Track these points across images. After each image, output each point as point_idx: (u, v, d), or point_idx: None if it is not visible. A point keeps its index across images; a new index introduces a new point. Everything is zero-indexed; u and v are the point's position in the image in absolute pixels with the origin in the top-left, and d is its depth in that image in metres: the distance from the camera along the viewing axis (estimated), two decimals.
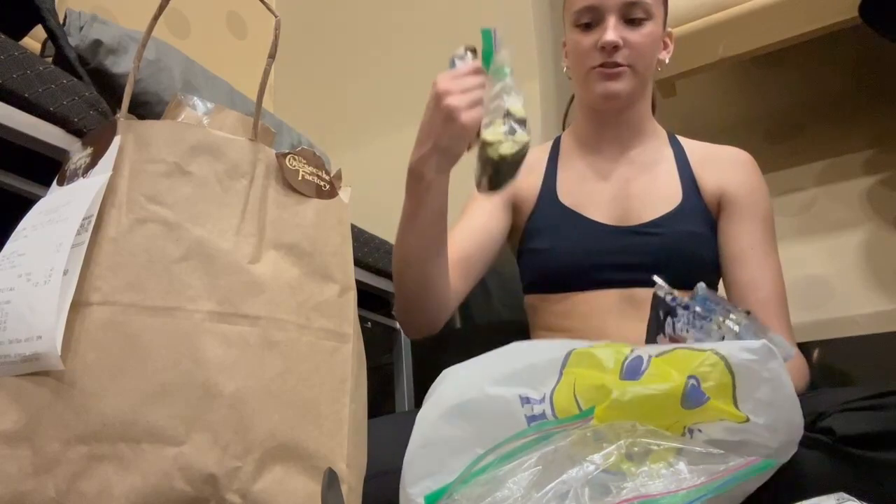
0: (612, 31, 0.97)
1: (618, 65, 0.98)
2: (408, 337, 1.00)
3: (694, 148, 1.08)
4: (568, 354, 0.69)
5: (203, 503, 0.51)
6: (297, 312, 0.58)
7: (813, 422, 0.67)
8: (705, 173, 1.03)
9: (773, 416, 0.60)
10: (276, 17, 0.64)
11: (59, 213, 0.57)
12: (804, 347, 1.24)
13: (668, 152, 1.07)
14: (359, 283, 0.67)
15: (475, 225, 1.05)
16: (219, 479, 0.51)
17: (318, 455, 0.56)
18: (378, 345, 1.56)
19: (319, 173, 0.65)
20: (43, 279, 0.53)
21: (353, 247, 0.67)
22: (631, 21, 0.98)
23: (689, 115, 1.45)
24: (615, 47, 0.97)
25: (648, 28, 0.99)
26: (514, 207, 1.09)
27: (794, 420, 0.62)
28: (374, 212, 1.76)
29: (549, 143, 1.15)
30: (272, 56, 0.64)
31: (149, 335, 0.53)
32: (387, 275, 1.48)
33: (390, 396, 1.52)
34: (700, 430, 0.61)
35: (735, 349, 0.62)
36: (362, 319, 0.68)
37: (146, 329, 0.53)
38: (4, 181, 0.83)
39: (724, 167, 1.03)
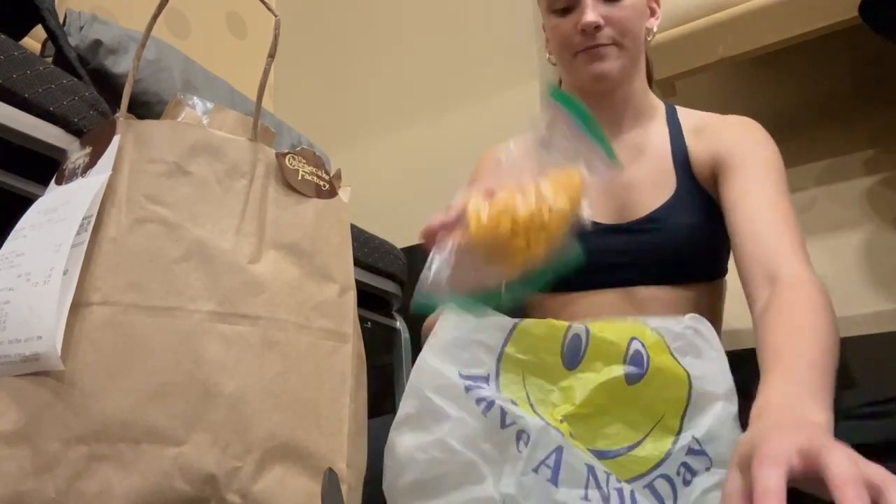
0: (590, 12, 0.92)
1: (602, 45, 0.93)
2: None
3: (690, 120, 1.01)
4: (511, 330, 0.69)
5: (203, 503, 0.51)
6: (297, 312, 0.58)
7: None
8: (698, 145, 0.96)
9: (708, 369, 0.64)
10: (276, 16, 0.64)
11: (58, 213, 0.57)
12: None
13: (664, 131, 1.01)
14: (359, 283, 0.67)
15: None
16: (219, 479, 0.51)
17: (318, 455, 0.56)
18: (378, 345, 1.56)
19: (319, 173, 0.65)
20: (43, 279, 0.53)
21: (353, 247, 0.67)
22: None
23: None
24: (597, 27, 0.92)
25: (629, 0, 0.94)
26: None
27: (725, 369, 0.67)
28: (374, 212, 1.76)
29: None
30: (272, 56, 0.64)
31: (149, 335, 0.53)
32: (387, 275, 1.48)
33: (390, 396, 1.52)
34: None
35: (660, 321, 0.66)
36: (362, 319, 0.68)
37: (146, 329, 0.53)
38: (4, 181, 0.83)
39: (718, 132, 0.95)
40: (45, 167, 0.80)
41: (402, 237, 1.65)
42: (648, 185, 0.97)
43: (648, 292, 0.94)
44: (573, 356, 0.67)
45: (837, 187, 1.31)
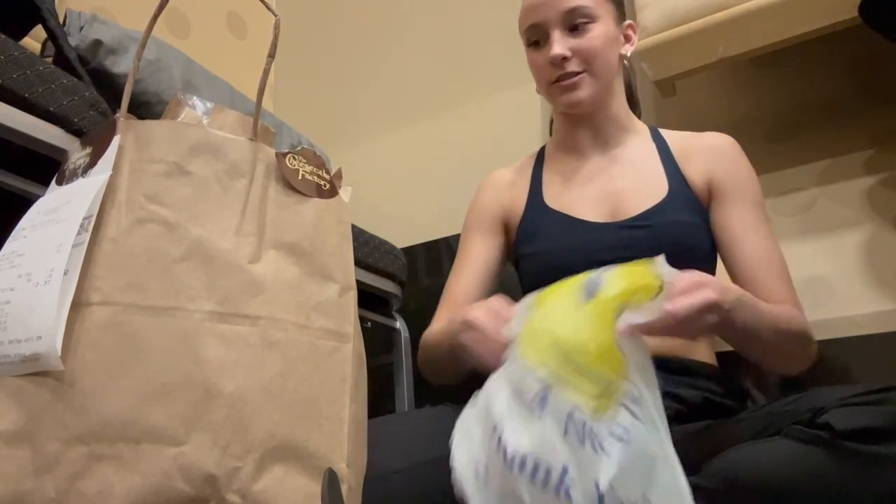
0: (556, 45, 0.98)
1: (572, 74, 0.99)
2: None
3: (675, 139, 1.07)
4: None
5: (203, 503, 0.51)
6: (297, 312, 0.58)
7: (811, 417, 0.67)
8: (690, 164, 1.02)
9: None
10: (275, 16, 0.64)
11: (58, 213, 0.57)
12: None
13: (651, 146, 1.06)
14: (359, 283, 0.67)
15: (474, 267, 1.08)
16: (219, 479, 0.51)
17: (318, 455, 0.56)
18: (378, 345, 1.56)
19: (319, 173, 0.65)
20: (43, 279, 0.53)
21: (353, 247, 0.67)
22: (575, 28, 0.98)
23: (688, 115, 1.45)
24: (564, 59, 0.98)
25: (595, 30, 0.99)
26: (505, 224, 1.10)
27: None
28: (374, 212, 1.76)
29: (535, 153, 1.16)
30: (272, 56, 0.64)
31: (149, 335, 0.53)
32: (387, 275, 1.48)
33: (390, 396, 1.51)
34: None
35: None
36: (362, 319, 0.68)
37: (146, 329, 0.53)
38: (4, 181, 0.83)
39: (708, 156, 1.02)
40: (45, 167, 0.80)
41: (402, 237, 1.66)
42: (640, 190, 1.01)
43: None
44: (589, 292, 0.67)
45: (837, 187, 1.31)
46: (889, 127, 1.28)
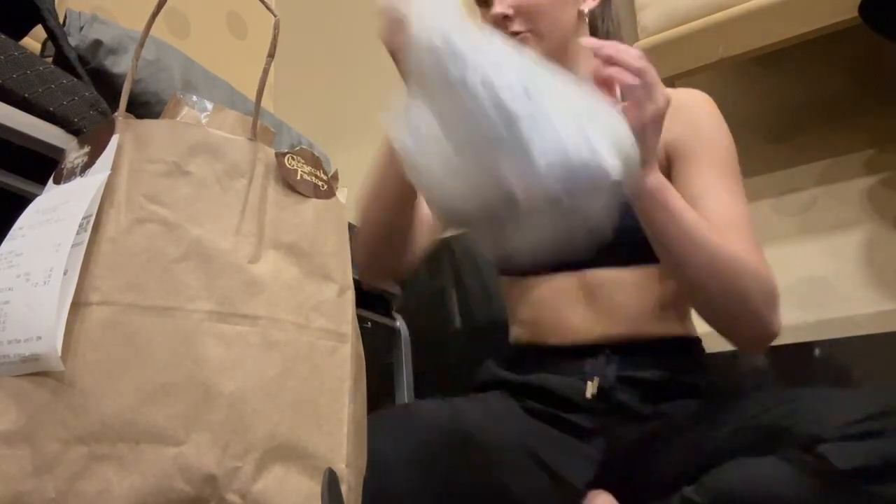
0: (497, 3, 0.91)
1: (516, 33, 0.90)
2: (363, 280, 0.92)
3: None
4: None
5: (203, 503, 0.51)
6: (297, 312, 0.58)
7: (808, 446, 0.65)
8: None
9: None
10: (275, 16, 0.64)
11: (57, 213, 0.57)
12: (804, 347, 1.24)
13: None
14: (358, 283, 0.67)
15: None
16: (218, 479, 0.51)
17: (317, 455, 0.56)
18: (378, 345, 1.56)
19: (317, 173, 0.65)
20: (42, 279, 0.53)
21: (352, 246, 0.67)
22: None
23: None
24: (505, 17, 0.90)
25: None
26: None
27: None
28: None
29: None
30: (272, 56, 0.64)
31: (148, 335, 0.53)
32: None
33: (390, 396, 1.52)
34: None
35: None
36: (362, 319, 0.68)
37: (146, 329, 0.53)
38: (4, 181, 0.83)
39: (669, 116, 0.93)
40: (45, 167, 0.80)
41: None
42: None
43: (604, 274, 0.94)
44: None
45: (837, 187, 1.31)
46: (889, 127, 1.28)
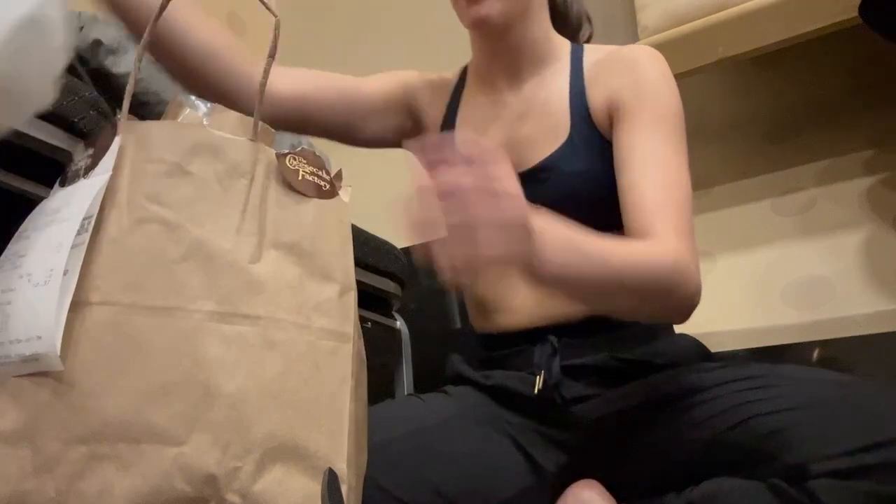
0: None
1: None
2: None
3: (593, 60, 0.92)
4: None
5: (203, 503, 0.51)
6: (298, 312, 0.58)
7: (795, 476, 0.63)
8: (596, 88, 0.88)
9: None
10: (275, 17, 0.64)
11: (59, 214, 0.57)
12: (804, 347, 1.24)
13: (565, 76, 0.92)
14: (359, 283, 0.67)
15: (350, 83, 1.03)
16: (219, 480, 0.51)
17: (318, 455, 0.56)
18: (378, 345, 1.56)
19: (319, 173, 0.65)
20: (43, 279, 0.53)
21: (353, 247, 0.67)
22: None
23: (688, 115, 1.45)
24: None
25: None
26: (414, 126, 1.03)
27: None
28: (374, 212, 1.75)
29: (458, 70, 1.05)
30: (272, 56, 0.64)
31: (149, 335, 0.53)
32: (387, 275, 1.48)
33: (390, 396, 1.52)
34: None
35: None
36: (362, 319, 0.68)
37: (146, 329, 0.53)
38: (4, 181, 0.83)
39: (614, 73, 0.87)
40: (44, 167, 0.80)
41: (402, 237, 1.66)
42: (542, 134, 0.90)
43: None
44: None
45: (837, 187, 1.31)
46: (889, 127, 1.29)
